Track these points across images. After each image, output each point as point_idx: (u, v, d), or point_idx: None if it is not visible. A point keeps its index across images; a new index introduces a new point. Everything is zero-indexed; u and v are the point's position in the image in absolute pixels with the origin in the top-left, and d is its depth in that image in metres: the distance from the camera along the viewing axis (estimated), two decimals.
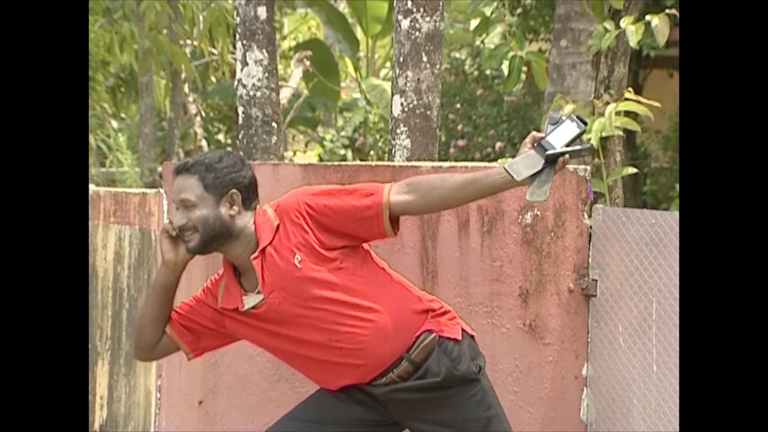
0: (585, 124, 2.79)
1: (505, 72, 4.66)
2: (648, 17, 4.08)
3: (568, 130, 2.77)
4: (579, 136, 2.78)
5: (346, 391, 2.99)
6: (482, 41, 10.89)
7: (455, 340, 2.95)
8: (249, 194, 2.96)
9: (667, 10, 4.12)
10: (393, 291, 2.95)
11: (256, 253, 2.90)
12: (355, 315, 2.87)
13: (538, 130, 2.86)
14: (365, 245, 2.99)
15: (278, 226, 2.90)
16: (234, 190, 2.92)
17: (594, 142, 3.94)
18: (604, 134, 4.00)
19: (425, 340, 2.92)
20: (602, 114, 4.05)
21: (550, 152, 2.74)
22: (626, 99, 4.00)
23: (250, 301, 2.94)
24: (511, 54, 4.60)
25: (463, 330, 3.00)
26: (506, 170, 2.74)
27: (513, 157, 2.83)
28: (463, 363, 2.94)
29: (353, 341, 2.88)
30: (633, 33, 4.04)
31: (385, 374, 2.92)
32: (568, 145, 2.76)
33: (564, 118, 2.79)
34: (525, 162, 2.75)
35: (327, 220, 2.88)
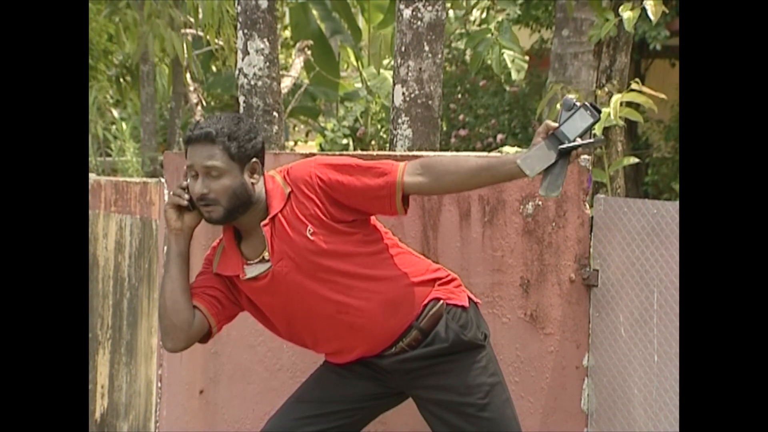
0: (599, 112, 2.72)
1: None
2: (645, 2, 4.09)
3: (582, 120, 2.70)
4: (592, 126, 2.71)
5: (348, 366, 3.00)
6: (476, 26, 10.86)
7: (462, 307, 2.98)
8: (263, 161, 2.95)
9: None
10: (401, 261, 2.96)
11: (266, 220, 2.88)
12: (365, 286, 2.88)
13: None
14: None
15: (290, 194, 2.88)
16: (255, 159, 2.89)
17: (597, 132, 3.94)
18: (606, 124, 4.00)
19: (433, 308, 2.93)
20: (604, 103, 4.05)
21: (562, 146, 2.69)
22: (631, 90, 3.99)
23: (253, 270, 2.92)
24: (487, 37, 4.64)
25: (469, 297, 3.03)
26: (519, 166, 2.70)
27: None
28: (471, 329, 2.96)
29: (362, 313, 2.88)
30: (630, 18, 4.04)
31: (395, 344, 2.93)
32: (581, 137, 2.70)
33: (578, 104, 2.72)
34: (538, 155, 2.70)
35: (338, 195, 2.87)
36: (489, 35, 4.69)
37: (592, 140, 2.74)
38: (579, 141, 2.70)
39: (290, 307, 2.93)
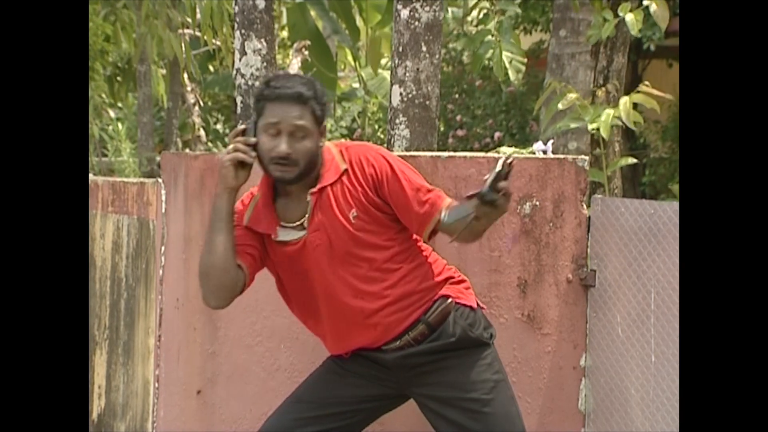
0: (509, 166, 2.65)
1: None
2: (645, 2, 4.08)
3: (494, 170, 2.65)
4: (497, 177, 2.63)
5: (348, 366, 3.00)
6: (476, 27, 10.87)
7: (471, 307, 3.00)
8: None
9: None
10: (420, 256, 2.99)
11: (315, 189, 2.88)
12: (385, 277, 2.90)
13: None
14: None
15: (345, 171, 2.89)
16: (324, 123, 2.91)
17: (603, 133, 3.93)
18: (617, 125, 3.98)
19: (442, 305, 2.96)
20: (603, 104, 4.05)
21: (469, 194, 2.69)
22: (638, 91, 3.98)
23: (286, 234, 2.92)
24: (488, 39, 4.63)
25: (476, 301, 3.05)
26: (441, 214, 2.81)
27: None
28: (478, 328, 2.98)
29: (377, 301, 2.90)
30: (633, 22, 4.03)
31: (400, 337, 2.94)
32: (489, 186, 2.64)
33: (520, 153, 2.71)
34: (463, 206, 2.74)
35: (384, 192, 2.89)
36: (490, 36, 4.69)
37: (481, 190, 2.65)
38: (478, 190, 2.65)
39: (309, 280, 2.93)
